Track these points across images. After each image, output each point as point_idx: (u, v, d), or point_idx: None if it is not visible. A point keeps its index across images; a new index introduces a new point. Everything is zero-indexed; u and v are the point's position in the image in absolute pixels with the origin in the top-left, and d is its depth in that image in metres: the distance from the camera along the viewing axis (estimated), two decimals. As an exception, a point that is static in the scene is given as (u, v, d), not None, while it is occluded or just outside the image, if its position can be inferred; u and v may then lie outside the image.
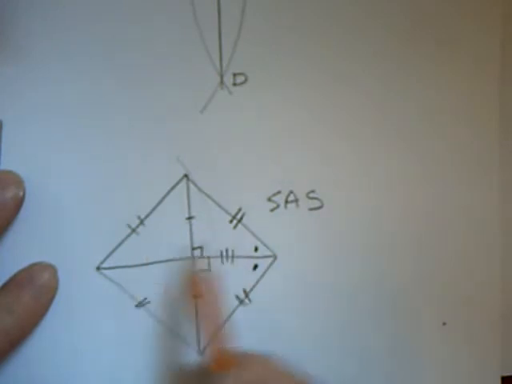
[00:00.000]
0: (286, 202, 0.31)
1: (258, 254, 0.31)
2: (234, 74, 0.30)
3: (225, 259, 0.30)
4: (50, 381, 0.28)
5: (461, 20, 0.32)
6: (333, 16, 0.31)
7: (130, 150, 0.29)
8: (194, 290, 0.29)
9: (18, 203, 0.27)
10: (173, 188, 0.30)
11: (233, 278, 0.31)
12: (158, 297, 0.30)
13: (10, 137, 0.28)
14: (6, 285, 0.27)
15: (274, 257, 0.31)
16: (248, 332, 0.31)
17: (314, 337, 0.32)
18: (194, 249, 0.30)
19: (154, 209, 0.29)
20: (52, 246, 0.28)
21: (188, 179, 0.30)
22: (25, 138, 0.28)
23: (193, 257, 0.30)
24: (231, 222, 0.30)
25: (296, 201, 0.31)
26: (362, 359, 0.32)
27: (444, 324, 0.33)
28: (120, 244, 0.29)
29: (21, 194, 0.27)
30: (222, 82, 0.30)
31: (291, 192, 0.31)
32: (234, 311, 0.31)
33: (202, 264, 0.30)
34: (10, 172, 0.27)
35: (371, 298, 0.32)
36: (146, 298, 0.29)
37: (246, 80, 0.30)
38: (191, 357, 0.30)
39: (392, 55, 0.32)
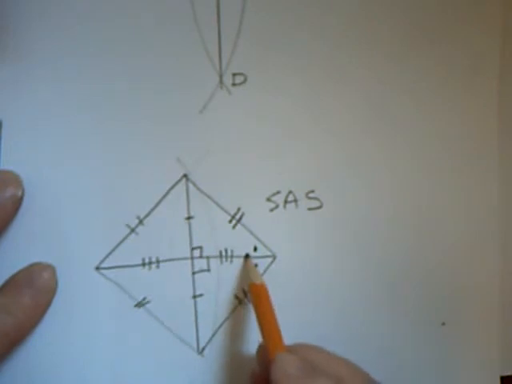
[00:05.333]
0: (286, 202, 0.31)
1: (257, 253, 0.31)
2: (234, 74, 0.30)
3: (224, 259, 0.30)
4: (49, 380, 0.28)
5: (461, 20, 0.32)
6: (332, 16, 0.31)
7: (130, 149, 0.29)
8: None
9: (17, 203, 0.27)
10: (172, 188, 0.30)
11: (232, 278, 0.31)
12: (157, 296, 0.30)
13: (9, 137, 0.28)
14: (5, 285, 0.27)
15: (273, 257, 0.31)
16: (247, 331, 0.31)
17: (313, 336, 0.31)
18: (193, 249, 0.30)
19: (153, 209, 0.29)
20: (51, 246, 0.28)
21: (187, 179, 0.30)
22: (25, 138, 0.28)
23: (192, 257, 0.30)
24: (230, 221, 0.30)
25: (295, 201, 0.31)
26: (362, 359, 0.32)
27: (443, 324, 0.33)
28: (119, 244, 0.29)
29: (19, 193, 0.27)
30: (221, 82, 0.30)
31: (290, 192, 0.31)
32: (233, 311, 0.31)
33: (201, 264, 0.30)
34: (8, 172, 0.27)
35: (370, 298, 0.32)
36: (145, 298, 0.29)
37: (245, 80, 0.30)
38: (190, 356, 0.30)
39: (392, 56, 0.32)
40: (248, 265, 0.30)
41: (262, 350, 0.29)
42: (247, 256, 0.30)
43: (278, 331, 0.28)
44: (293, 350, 0.28)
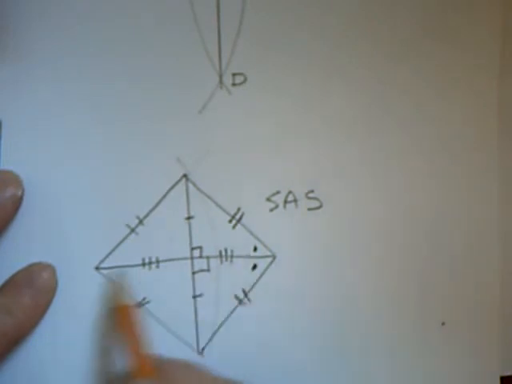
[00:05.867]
0: (285, 202, 0.31)
1: (257, 253, 0.31)
2: (234, 74, 0.30)
3: (224, 259, 0.30)
4: (49, 380, 0.28)
5: (461, 20, 0.32)
6: (332, 16, 0.31)
7: (129, 149, 0.29)
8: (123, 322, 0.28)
9: (17, 203, 0.27)
10: (172, 188, 0.30)
11: (232, 278, 0.31)
12: (157, 297, 0.30)
13: (9, 137, 0.28)
14: (4, 285, 0.27)
15: (273, 257, 0.31)
16: (247, 331, 0.31)
17: (314, 336, 0.32)
18: (193, 249, 0.30)
19: (153, 209, 0.29)
20: (51, 246, 0.28)
21: (187, 179, 0.30)
22: (25, 138, 0.28)
23: (192, 257, 0.30)
24: (230, 221, 0.31)
25: (295, 201, 0.31)
26: (362, 359, 0.32)
27: (443, 324, 0.33)
28: (119, 244, 0.29)
29: (19, 193, 0.27)
30: (221, 82, 0.30)
31: (290, 192, 0.31)
32: (233, 311, 0.31)
33: (201, 264, 0.30)
34: (8, 172, 0.27)
35: (370, 298, 0.32)
36: (144, 298, 0.29)
37: (245, 80, 0.30)
38: (190, 356, 0.30)
39: (392, 56, 0.32)
40: (114, 286, 0.29)
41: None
42: (120, 278, 0.29)
43: (144, 354, 0.27)
44: (160, 369, 0.27)
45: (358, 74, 0.31)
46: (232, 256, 0.31)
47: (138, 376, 0.27)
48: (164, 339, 0.30)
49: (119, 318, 0.28)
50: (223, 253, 0.30)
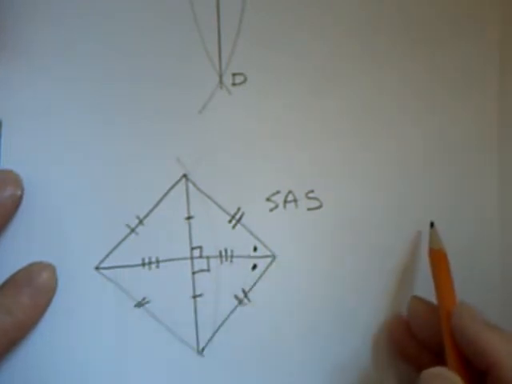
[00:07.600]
0: (285, 201, 0.31)
1: (257, 253, 0.31)
2: (234, 74, 0.30)
3: (224, 259, 0.30)
4: (48, 380, 0.28)
5: (461, 19, 0.32)
6: (332, 16, 0.31)
7: (130, 149, 0.29)
8: None
9: (16, 202, 0.27)
10: (172, 188, 0.30)
11: (232, 278, 0.31)
12: (157, 297, 0.30)
13: (9, 137, 0.28)
14: (4, 284, 0.27)
15: (273, 257, 0.31)
16: (247, 331, 0.31)
17: (314, 336, 0.31)
18: (193, 248, 0.30)
19: (153, 209, 0.29)
20: (51, 246, 0.28)
21: (187, 179, 0.30)
22: (25, 137, 0.28)
23: (192, 257, 0.30)
24: (230, 221, 0.30)
25: (295, 201, 0.31)
26: (363, 358, 0.32)
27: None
28: (119, 244, 0.29)
29: (19, 193, 0.27)
30: (221, 81, 0.30)
31: (290, 192, 0.31)
32: (233, 311, 0.31)
33: (201, 264, 0.30)
34: (8, 171, 0.27)
35: (370, 298, 0.32)
36: (144, 298, 0.29)
37: (245, 80, 0.30)
38: (190, 356, 0.30)
39: (393, 56, 0.32)
40: (431, 231, 0.32)
41: (422, 305, 0.31)
42: (432, 225, 0.32)
43: (453, 291, 0.30)
44: None
45: (358, 75, 0.31)
46: (232, 256, 0.31)
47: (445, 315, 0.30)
48: (164, 339, 0.30)
49: (431, 259, 0.31)
50: (223, 253, 0.30)
